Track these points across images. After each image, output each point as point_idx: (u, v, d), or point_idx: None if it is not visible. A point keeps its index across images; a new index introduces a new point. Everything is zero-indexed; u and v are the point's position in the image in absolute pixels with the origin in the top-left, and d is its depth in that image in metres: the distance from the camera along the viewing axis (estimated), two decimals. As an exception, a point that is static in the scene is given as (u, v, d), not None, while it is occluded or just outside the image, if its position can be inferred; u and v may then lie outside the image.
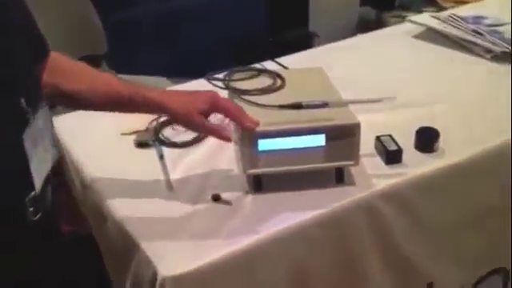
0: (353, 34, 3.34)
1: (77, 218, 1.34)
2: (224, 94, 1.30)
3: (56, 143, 1.28)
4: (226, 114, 1.08)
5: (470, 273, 1.35)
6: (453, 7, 3.96)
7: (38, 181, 0.89)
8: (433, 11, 3.80)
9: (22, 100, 0.85)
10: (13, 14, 0.86)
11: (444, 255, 1.26)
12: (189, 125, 1.08)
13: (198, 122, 1.04)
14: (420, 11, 3.90)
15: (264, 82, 1.26)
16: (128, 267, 1.06)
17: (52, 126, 0.96)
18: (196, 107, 1.04)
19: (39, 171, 0.89)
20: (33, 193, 0.87)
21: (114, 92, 1.06)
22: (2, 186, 0.82)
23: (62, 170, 1.30)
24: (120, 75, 2.44)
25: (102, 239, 1.17)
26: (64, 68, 1.06)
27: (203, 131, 1.10)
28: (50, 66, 1.02)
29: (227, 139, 1.07)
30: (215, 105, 1.06)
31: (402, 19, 3.79)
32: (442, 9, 3.94)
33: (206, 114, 1.06)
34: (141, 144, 1.26)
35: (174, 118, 1.09)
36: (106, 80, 1.09)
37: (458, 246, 1.27)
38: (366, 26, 3.57)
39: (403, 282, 1.24)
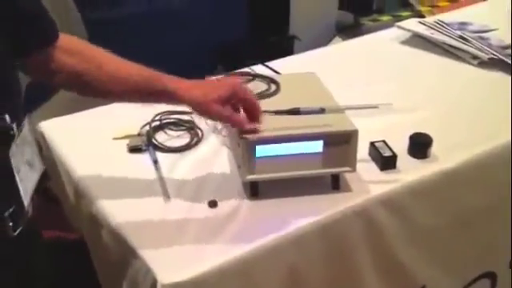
0: (332, 36, 3.39)
1: (62, 223, 1.32)
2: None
3: (44, 152, 1.26)
4: (243, 104, 1.06)
5: (461, 276, 1.37)
6: (429, 11, 4.04)
7: (26, 198, 0.86)
8: (409, 16, 3.87)
9: (6, 116, 0.82)
10: None
11: (437, 259, 1.27)
12: (206, 115, 1.06)
13: (214, 112, 1.03)
14: (396, 15, 3.97)
15: (258, 86, 1.26)
16: (123, 275, 1.05)
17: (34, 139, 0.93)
18: (214, 96, 1.02)
19: (26, 188, 0.86)
20: (12, 208, 0.84)
21: (133, 78, 1.03)
22: None
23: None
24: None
25: (95, 247, 1.15)
26: (87, 52, 1.03)
27: (220, 120, 1.11)
28: (67, 47, 0.99)
29: (245, 127, 1.06)
30: (235, 93, 1.04)
31: (379, 22, 3.87)
32: (417, 13, 4.02)
33: (226, 101, 1.04)
34: (133, 149, 1.24)
35: (193, 109, 1.05)
36: (126, 65, 1.05)
37: (450, 250, 1.29)
38: (343, 29, 3.62)
39: (397, 286, 1.25)
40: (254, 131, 1.06)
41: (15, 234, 0.85)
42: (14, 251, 0.88)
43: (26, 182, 0.87)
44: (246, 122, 1.06)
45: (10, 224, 0.84)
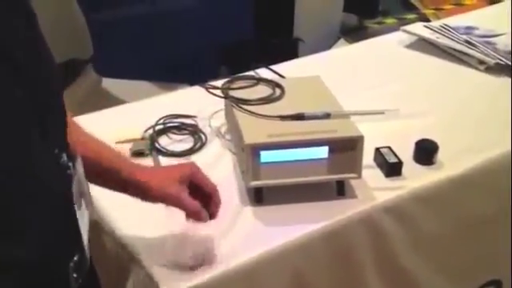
0: (336, 39, 3.38)
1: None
2: (221, 102, 1.29)
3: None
4: (203, 188, 0.98)
5: (466, 284, 1.35)
6: (434, 14, 4.04)
7: (85, 239, 0.80)
8: (414, 18, 3.87)
9: (64, 155, 0.75)
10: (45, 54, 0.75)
11: (441, 267, 1.26)
12: (165, 200, 0.95)
13: (173, 195, 0.94)
14: (400, 18, 3.97)
15: (262, 91, 1.25)
16: (126, 282, 1.04)
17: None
18: (173, 179, 0.94)
19: (84, 229, 0.80)
20: (76, 257, 0.75)
21: (100, 161, 0.93)
22: (48, 251, 0.70)
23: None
24: (106, 79, 2.42)
25: (97, 253, 1.13)
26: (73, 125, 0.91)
27: (178, 206, 0.95)
28: None
29: (201, 220, 0.96)
30: (193, 174, 0.96)
31: (383, 25, 3.86)
32: (422, 16, 4.01)
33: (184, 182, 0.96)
34: (137, 153, 1.23)
35: (149, 195, 0.95)
36: (96, 146, 0.96)
37: (455, 258, 1.27)
38: (348, 31, 3.61)
39: (401, 294, 1.24)
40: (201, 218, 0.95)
41: (77, 285, 0.75)
42: None
43: (84, 225, 0.80)
44: (201, 210, 0.95)
45: (74, 275, 0.74)
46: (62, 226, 0.73)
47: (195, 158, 1.23)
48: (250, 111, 1.15)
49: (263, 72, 1.46)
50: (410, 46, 1.74)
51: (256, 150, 1.06)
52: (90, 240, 1.03)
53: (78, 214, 0.77)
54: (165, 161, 1.22)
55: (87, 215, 0.82)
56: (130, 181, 0.94)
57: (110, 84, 2.39)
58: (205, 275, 0.96)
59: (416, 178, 1.19)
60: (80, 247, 0.77)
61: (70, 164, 0.76)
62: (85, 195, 0.81)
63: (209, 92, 1.26)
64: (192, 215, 0.95)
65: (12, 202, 0.63)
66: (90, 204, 0.84)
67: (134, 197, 0.96)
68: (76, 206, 0.76)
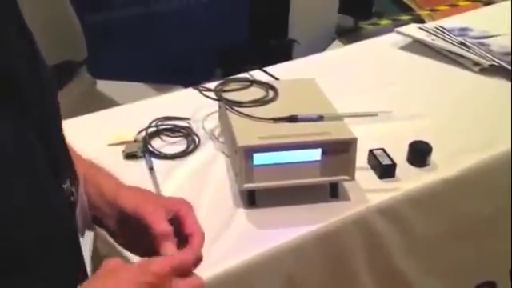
0: (331, 40, 3.38)
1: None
2: (215, 104, 1.28)
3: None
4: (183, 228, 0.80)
5: (460, 286, 1.35)
6: (428, 15, 4.05)
7: (89, 267, 0.77)
8: (409, 19, 3.88)
9: (68, 181, 0.71)
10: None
11: (435, 269, 1.26)
12: (135, 212, 0.80)
13: (143, 209, 0.79)
14: (395, 19, 3.98)
15: (256, 93, 1.24)
16: None
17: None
18: (156, 203, 0.82)
19: (87, 253, 0.77)
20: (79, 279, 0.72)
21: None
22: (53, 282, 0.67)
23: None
24: (100, 80, 2.42)
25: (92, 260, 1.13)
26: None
27: (145, 221, 0.79)
28: None
29: (165, 249, 0.76)
30: (176, 212, 0.81)
31: (378, 26, 3.87)
32: (417, 17, 4.02)
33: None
34: (129, 156, 1.22)
35: (121, 205, 0.82)
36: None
37: (449, 260, 1.27)
38: (343, 33, 3.62)
39: (395, 297, 1.23)
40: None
41: None
42: None
43: (87, 250, 0.77)
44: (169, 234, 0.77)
45: None
46: (66, 258, 0.71)
47: (188, 161, 1.23)
48: (243, 113, 1.15)
49: (257, 74, 1.46)
50: (405, 48, 1.74)
51: (249, 152, 1.05)
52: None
53: (82, 242, 0.75)
54: (158, 163, 1.21)
55: (90, 239, 0.80)
56: (109, 193, 0.83)
57: (104, 86, 2.39)
58: (197, 278, 0.96)
59: (410, 180, 1.19)
60: (83, 272, 0.75)
61: (73, 189, 0.72)
62: (87, 218, 0.79)
63: (202, 94, 1.25)
64: (157, 235, 0.77)
65: (16, 235, 0.60)
66: (93, 227, 0.81)
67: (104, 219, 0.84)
68: (80, 235, 0.74)
